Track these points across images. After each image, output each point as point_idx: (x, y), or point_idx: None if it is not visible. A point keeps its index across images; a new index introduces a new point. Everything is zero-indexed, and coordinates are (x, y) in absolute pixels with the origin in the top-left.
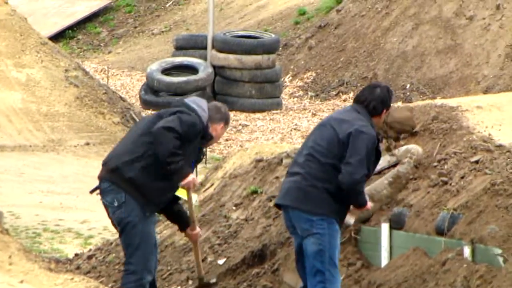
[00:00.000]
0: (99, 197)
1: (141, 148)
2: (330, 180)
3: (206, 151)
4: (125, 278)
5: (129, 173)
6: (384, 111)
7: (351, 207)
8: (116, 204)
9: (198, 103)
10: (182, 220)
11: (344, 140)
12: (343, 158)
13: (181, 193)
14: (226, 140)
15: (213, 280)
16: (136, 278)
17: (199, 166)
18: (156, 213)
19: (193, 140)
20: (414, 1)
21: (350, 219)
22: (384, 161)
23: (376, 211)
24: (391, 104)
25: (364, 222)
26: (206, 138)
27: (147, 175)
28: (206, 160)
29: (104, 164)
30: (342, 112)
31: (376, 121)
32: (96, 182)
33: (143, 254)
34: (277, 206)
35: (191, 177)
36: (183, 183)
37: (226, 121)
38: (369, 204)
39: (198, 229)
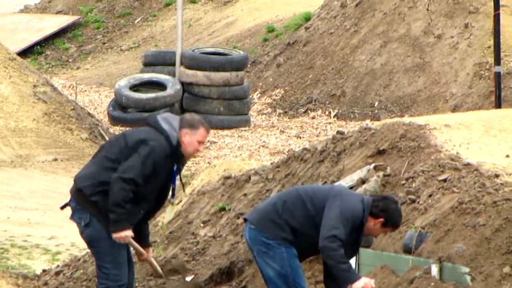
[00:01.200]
0: (67, 213)
1: (105, 174)
2: (295, 217)
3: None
4: None
5: (92, 196)
6: (381, 220)
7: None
8: (83, 223)
9: (170, 122)
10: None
11: (330, 197)
12: (318, 208)
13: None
14: (194, 156)
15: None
16: None
17: None
18: None
19: (161, 166)
20: (382, 19)
21: None
22: (351, 179)
23: None
24: (390, 226)
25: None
26: (178, 156)
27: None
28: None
29: (74, 181)
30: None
31: (369, 220)
32: (64, 198)
33: (115, 270)
34: (245, 220)
35: (128, 232)
36: (114, 235)
37: (190, 125)
38: (364, 281)
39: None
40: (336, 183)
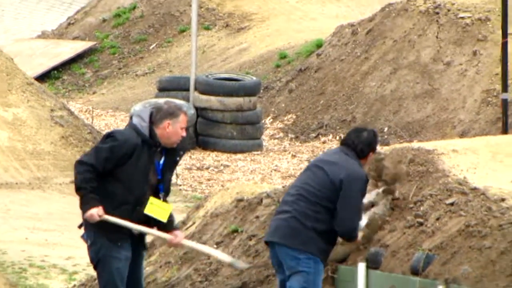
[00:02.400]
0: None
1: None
2: (318, 219)
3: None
4: None
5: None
6: (371, 153)
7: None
8: (89, 242)
9: (140, 115)
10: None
11: (336, 184)
12: (333, 200)
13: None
14: (208, 180)
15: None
16: None
17: (182, 204)
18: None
19: (126, 159)
20: (392, 46)
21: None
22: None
23: (353, 251)
24: (377, 148)
25: (341, 261)
26: (155, 146)
27: (104, 207)
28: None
29: None
30: (330, 154)
31: (363, 162)
32: (81, 219)
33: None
34: (266, 243)
35: (94, 209)
36: (84, 217)
37: (170, 115)
38: (359, 237)
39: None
40: None
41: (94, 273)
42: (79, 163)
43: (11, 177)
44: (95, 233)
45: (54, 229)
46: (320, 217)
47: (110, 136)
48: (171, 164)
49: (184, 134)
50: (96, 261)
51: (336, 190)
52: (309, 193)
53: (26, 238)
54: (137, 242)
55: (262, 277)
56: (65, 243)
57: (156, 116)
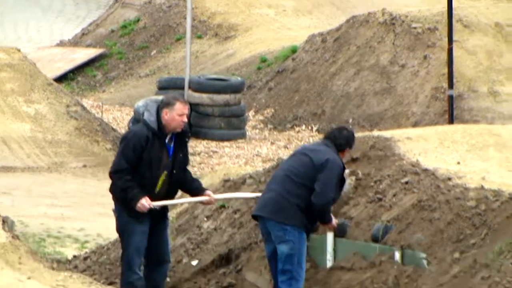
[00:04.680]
0: (94, 209)
1: None
2: (301, 197)
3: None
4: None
5: (112, 190)
6: (347, 149)
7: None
8: (116, 215)
9: (149, 110)
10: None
11: (318, 166)
12: (314, 180)
13: None
14: (200, 163)
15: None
16: (123, 277)
17: None
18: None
19: (142, 150)
20: (356, 51)
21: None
22: None
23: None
24: (351, 147)
25: (313, 231)
26: (163, 134)
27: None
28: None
29: None
30: (314, 144)
31: (341, 155)
32: (92, 197)
33: (127, 257)
34: (254, 217)
35: (142, 200)
36: (136, 209)
37: (167, 105)
38: (334, 221)
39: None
40: None
41: (102, 242)
42: (114, 173)
43: (33, 162)
44: (119, 209)
45: (69, 205)
46: (303, 195)
47: (124, 138)
48: (181, 145)
49: (184, 119)
50: (119, 232)
51: (317, 171)
52: (294, 174)
53: (45, 213)
54: (159, 216)
55: (246, 245)
56: (78, 217)
57: (159, 107)
